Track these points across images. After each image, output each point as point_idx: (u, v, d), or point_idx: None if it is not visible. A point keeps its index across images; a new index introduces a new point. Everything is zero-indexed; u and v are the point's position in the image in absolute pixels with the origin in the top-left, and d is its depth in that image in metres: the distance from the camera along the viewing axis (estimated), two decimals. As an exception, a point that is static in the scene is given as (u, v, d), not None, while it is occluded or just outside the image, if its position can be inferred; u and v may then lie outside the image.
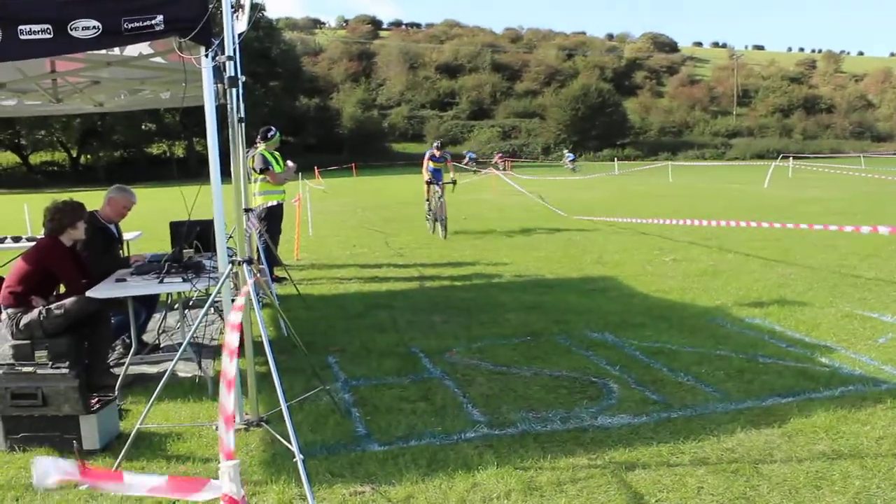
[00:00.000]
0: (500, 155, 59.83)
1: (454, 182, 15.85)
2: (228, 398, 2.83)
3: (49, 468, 2.30)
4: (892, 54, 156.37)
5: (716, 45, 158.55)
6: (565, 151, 61.73)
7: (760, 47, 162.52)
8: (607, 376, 5.72)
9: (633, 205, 22.17)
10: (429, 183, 15.56)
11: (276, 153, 10.41)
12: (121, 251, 7.09)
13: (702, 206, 21.34)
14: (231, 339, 3.22)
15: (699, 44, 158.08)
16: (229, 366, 3.00)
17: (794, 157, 48.25)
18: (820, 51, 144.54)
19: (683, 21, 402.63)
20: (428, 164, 15.63)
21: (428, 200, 15.91)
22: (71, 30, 4.12)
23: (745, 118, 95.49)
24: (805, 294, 8.58)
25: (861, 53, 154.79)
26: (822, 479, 3.90)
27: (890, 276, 9.51)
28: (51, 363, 4.69)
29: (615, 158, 61.33)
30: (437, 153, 15.58)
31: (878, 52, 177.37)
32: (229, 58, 4.53)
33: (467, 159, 55.86)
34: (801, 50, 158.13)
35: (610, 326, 7.24)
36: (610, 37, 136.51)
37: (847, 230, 8.20)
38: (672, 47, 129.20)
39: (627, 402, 5.12)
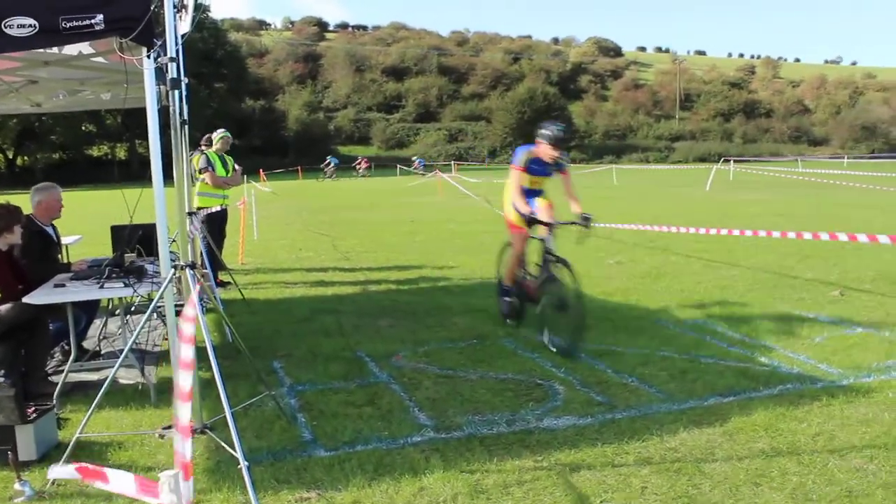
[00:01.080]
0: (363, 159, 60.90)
1: (587, 221, 6.98)
2: (185, 409, 2.80)
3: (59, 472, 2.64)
4: (827, 61, 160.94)
5: (659, 49, 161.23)
6: (414, 158, 62.26)
7: (702, 52, 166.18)
8: (553, 378, 5.76)
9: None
10: (530, 221, 7.21)
11: (227, 156, 10.28)
12: (59, 255, 6.92)
13: (646, 208, 21.66)
14: (185, 352, 3.19)
15: (643, 48, 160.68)
16: (185, 379, 2.99)
17: (735, 161, 49.31)
18: (759, 56, 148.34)
19: (627, 26, 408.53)
20: (521, 180, 7.28)
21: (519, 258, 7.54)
22: (6, 27, 4.00)
23: (688, 122, 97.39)
24: (746, 295, 8.77)
25: (798, 60, 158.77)
26: (762, 476, 3.99)
27: (826, 277, 9.77)
28: (-14, 371, 4.56)
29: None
30: (552, 152, 7.12)
31: (814, 60, 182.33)
32: (172, 59, 4.46)
33: (417, 164, 55.25)
34: (742, 56, 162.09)
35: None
36: (555, 41, 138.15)
37: (790, 236, 8.39)
38: (616, 52, 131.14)
39: (573, 404, 5.17)
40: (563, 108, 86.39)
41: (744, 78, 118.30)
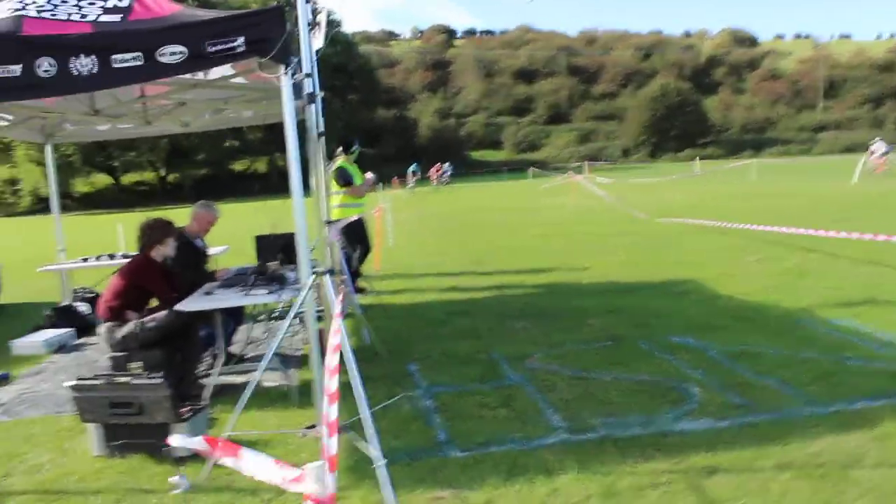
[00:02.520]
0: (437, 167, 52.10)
1: None
2: (333, 409, 3.04)
3: (185, 441, 2.81)
4: None
5: (798, 36, 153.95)
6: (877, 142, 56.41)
7: (847, 36, 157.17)
8: (689, 380, 5.65)
9: (716, 206, 21.75)
10: None
11: (355, 165, 10.59)
12: (206, 265, 7.32)
13: (787, 206, 20.78)
14: (331, 360, 3.42)
15: (781, 36, 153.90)
16: (330, 382, 3.23)
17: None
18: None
19: (763, 14, 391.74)
20: None
21: None
22: (159, 56, 4.32)
23: (832, 111, 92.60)
24: (897, 293, 8.31)
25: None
26: (916, 483, 3.79)
27: None
28: (146, 374, 4.91)
29: (696, 158, 60.12)
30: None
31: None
32: (307, 75, 4.68)
33: (410, 174, 48.40)
34: (893, 36, 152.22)
35: (692, 330, 7.15)
36: (687, 34, 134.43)
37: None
38: (752, 42, 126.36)
39: (709, 406, 5.06)
40: (696, 102, 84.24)
41: None
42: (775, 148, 79.39)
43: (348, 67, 70.87)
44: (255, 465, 2.52)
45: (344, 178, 10.09)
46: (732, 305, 8.17)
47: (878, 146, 35.12)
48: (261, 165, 70.43)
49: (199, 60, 4.48)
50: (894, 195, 21.85)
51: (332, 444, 2.75)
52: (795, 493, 3.77)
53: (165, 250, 6.13)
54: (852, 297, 8.27)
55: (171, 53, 4.34)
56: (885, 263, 10.23)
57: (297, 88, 4.77)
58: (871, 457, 4.14)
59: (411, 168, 48.55)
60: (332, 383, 3.24)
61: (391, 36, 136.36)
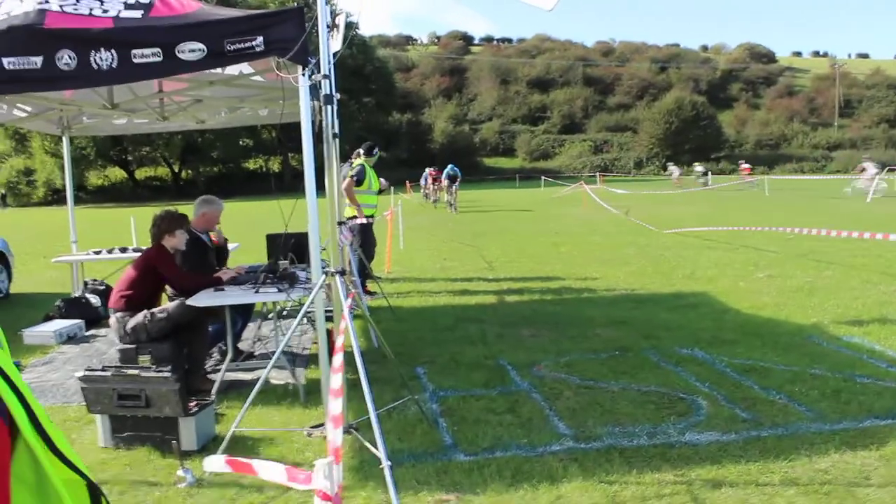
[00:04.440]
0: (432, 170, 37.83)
1: None
2: (336, 402, 3.07)
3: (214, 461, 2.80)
4: None
5: (816, 54, 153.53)
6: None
7: (865, 55, 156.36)
8: (696, 392, 5.64)
9: (727, 219, 21.69)
10: None
11: (373, 170, 10.64)
12: (214, 261, 7.24)
13: (799, 219, 20.70)
14: (336, 360, 3.49)
15: (798, 53, 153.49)
16: (336, 380, 3.28)
17: (903, 169, 46.18)
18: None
19: (781, 30, 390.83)
20: None
21: None
22: (178, 52, 4.37)
23: (848, 129, 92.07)
24: (908, 313, 8.27)
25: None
26: (921, 503, 3.77)
27: None
28: (154, 367, 4.93)
29: (709, 172, 59.94)
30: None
31: None
32: (325, 76, 4.71)
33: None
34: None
35: (700, 343, 7.14)
36: (704, 48, 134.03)
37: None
38: (769, 58, 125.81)
39: (716, 419, 5.05)
40: (711, 117, 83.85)
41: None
42: (789, 164, 79.03)
43: (365, 70, 71.01)
44: (269, 474, 2.56)
45: (357, 175, 10.12)
46: (741, 320, 8.15)
47: (868, 166, 34.32)
48: (275, 165, 70.64)
49: (218, 58, 4.53)
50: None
51: (336, 437, 2.80)
52: (800, 509, 3.75)
53: (174, 242, 6.17)
54: (863, 314, 8.24)
55: (191, 51, 4.38)
56: (896, 283, 10.19)
57: (314, 89, 4.79)
58: (877, 475, 4.12)
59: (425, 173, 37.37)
60: (336, 379, 3.29)
61: (409, 41, 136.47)
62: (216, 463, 2.76)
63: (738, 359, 6.51)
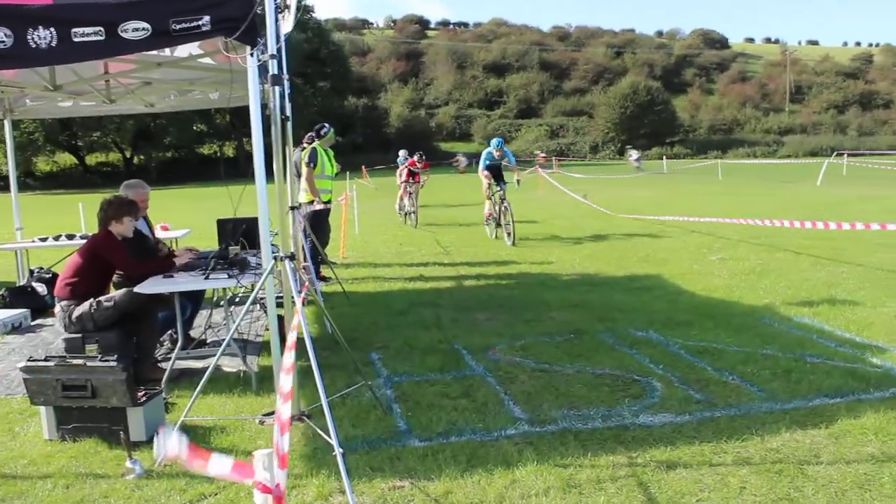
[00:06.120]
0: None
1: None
2: (285, 407, 2.92)
3: (167, 443, 2.54)
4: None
5: (768, 40, 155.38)
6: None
7: (815, 42, 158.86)
8: (650, 374, 5.67)
9: (682, 204, 21.93)
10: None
11: (330, 151, 10.49)
12: (152, 246, 7.00)
13: (752, 204, 21.00)
14: (287, 359, 3.40)
15: (751, 40, 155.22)
16: (286, 382, 3.11)
17: (850, 154, 47.12)
18: (878, 45, 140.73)
19: (735, 17, 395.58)
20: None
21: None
22: (121, 31, 4.21)
23: (798, 115, 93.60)
24: (856, 293, 8.41)
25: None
26: (871, 481, 3.82)
27: (946, 276, 9.27)
28: (100, 356, 4.80)
29: (664, 157, 60.54)
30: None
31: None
32: (273, 56, 4.59)
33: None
34: (858, 44, 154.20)
35: (655, 325, 7.18)
36: (659, 34, 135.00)
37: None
38: (723, 44, 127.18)
39: (670, 401, 5.08)
40: (666, 102, 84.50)
41: (860, 68, 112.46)
42: (741, 149, 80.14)
43: (320, 54, 70.25)
44: (218, 468, 2.46)
45: (310, 158, 9.97)
46: (695, 302, 8.22)
47: (633, 153, 41.75)
48: (229, 150, 69.67)
49: (163, 38, 4.38)
50: (856, 199, 22.17)
51: (283, 443, 2.68)
52: (753, 488, 3.78)
53: (123, 229, 6.01)
54: (813, 295, 8.36)
55: (134, 29, 4.23)
56: (846, 262, 10.37)
57: (264, 71, 4.68)
58: (827, 453, 4.17)
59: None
60: (286, 381, 3.13)
61: (365, 24, 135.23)
62: (173, 443, 2.57)
63: (692, 340, 6.56)
